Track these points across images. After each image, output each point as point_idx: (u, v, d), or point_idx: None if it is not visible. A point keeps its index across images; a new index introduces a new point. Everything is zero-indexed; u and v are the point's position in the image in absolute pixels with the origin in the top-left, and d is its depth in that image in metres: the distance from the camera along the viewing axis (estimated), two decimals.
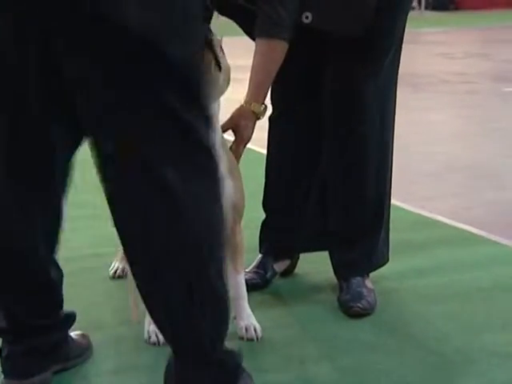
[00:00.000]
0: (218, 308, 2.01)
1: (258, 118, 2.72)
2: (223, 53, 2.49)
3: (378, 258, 3.01)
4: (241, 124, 2.70)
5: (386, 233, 3.02)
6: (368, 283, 2.94)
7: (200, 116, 1.90)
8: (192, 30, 1.87)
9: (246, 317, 2.65)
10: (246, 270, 3.03)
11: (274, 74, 2.71)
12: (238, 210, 2.58)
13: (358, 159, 2.88)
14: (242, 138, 2.72)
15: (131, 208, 1.89)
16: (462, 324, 2.75)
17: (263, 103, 2.72)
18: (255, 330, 2.63)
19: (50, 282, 2.21)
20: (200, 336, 2.00)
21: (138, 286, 1.99)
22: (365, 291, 2.88)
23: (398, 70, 2.90)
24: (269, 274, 3.09)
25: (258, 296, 2.98)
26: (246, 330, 2.63)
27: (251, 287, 2.92)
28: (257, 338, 2.62)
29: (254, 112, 2.69)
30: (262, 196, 3.11)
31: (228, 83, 2.51)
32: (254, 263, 3.11)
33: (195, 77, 1.89)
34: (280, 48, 2.67)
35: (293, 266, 3.21)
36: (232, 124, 2.69)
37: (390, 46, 2.82)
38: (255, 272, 3.07)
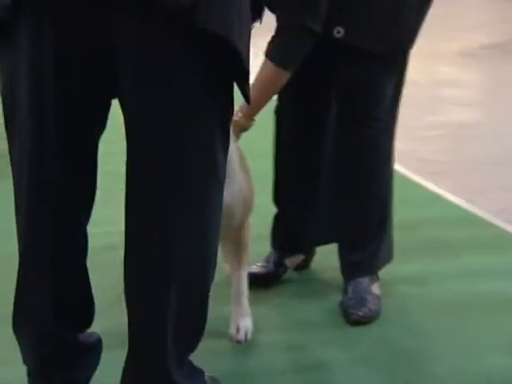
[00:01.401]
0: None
1: (243, 130, 2.68)
2: None
3: (383, 256, 2.90)
4: None
5: (390, 228, 2.92)
6: (375, 288, 2.83)
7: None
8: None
9: (242, 315, 2.60)
10: (257, 264, 2.97)
11: (270, 97, 2.71)
12: (248, 204, 2.53)
13: (367, 157, 2.78)
14: None
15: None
16: (466, 342, 2.60)
17: (253, 119, 2.68)
18: (246, 333, 2.57)
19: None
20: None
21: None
22: (369, 298, 2.77)
23: (405, 72, 2.79)
24: (279, 269, 3.01)
25: (262, 291, 2.92)
26: (238, 330, 2.58)
27: (257, 279, 2.89)
28: (245, 341, 2.57)
29: (241, 126, 2.65)
30: (272, 189, 3.03)
31: None
32: (265, 257, 3.04)
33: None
34: (284, 77, 2.64)
35: (307, 260, 3.13)
36: None
37: (411, 44, 2.69)
38: (264, 266, 3.00)
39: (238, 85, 1.86)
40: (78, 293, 2.02)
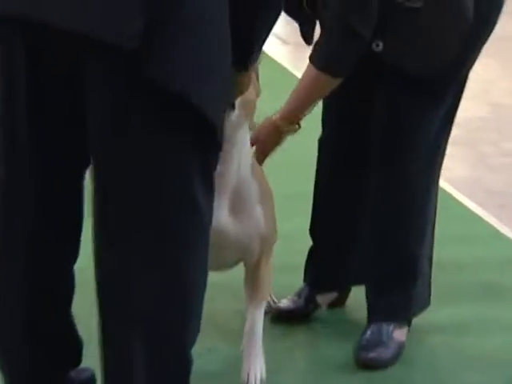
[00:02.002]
0: None
1: (287, 134, 2.52)
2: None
3: (415, 303, 2.69)
4: (260, 138, 2.49)
5: (428, 271, 2.71)
6: (398, 334, 2.63)
7: None
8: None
9: (254, 357, 2.41)
10: (288, 297, 2.83)
11: (314, 103, 2.52)
12: (268, 242, 2.36)
13: (400, 201, 2.59)
14: (261, 152, 2.51)
15: None
16: None
17: (297, 123, 2.52)
18: (256, 379, 2.39)
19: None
20: None
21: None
22: (387, 342, 2.59)
23: (457, 106, 2.56)
24: (309, 306, 2.85)
25: (288, 327, 2.76)
26: (248, 375, 2.40)
27: (285, 314, 2.77)
28: None
29: (279, 128, 2.48)
30: (310, 222, 2.85)
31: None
32: (296, 290, 2.88)
33: None
34: (328, 83, 2.46)
35: (342, 298, 2.94)
36: (253, 136, 2.44)
37: (456, 79, 2.48)
38: (293, 301, 2.84)
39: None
40: (59, 333, 1.93)
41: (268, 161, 2.54)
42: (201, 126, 1.68)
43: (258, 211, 2.27)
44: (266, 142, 2.51)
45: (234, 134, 2.16)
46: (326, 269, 2.84)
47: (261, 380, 2.40)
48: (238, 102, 2.09)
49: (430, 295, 2.74)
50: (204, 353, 2.46)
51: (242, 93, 2.00)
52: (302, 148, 3.03)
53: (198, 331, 1.84)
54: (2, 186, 1.75)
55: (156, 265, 1.71)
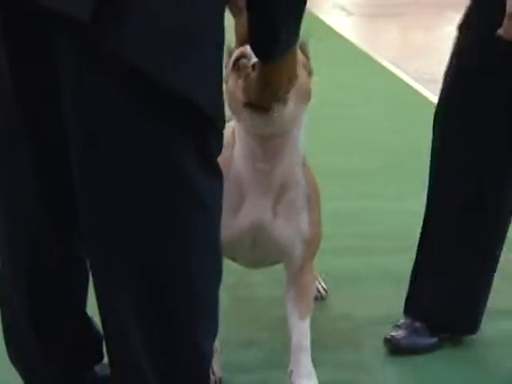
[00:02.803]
0: None
1: None
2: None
3: None
4: None
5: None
6: None
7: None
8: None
9: (304, 376, 2.15)
10: (396, 324, 2.40)
11: None
12: (311, 246, 2.12)
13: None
14: None
15: None
16: None
17: None
18: None
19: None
20: None
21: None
22: None
23: None
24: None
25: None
26: None
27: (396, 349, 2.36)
28: None
29: None
30: (418, 242, 2.39)
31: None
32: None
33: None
34: None
35: None
36: None
37: None
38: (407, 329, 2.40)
39: None
40: (76, 331, 1.82)
41: None
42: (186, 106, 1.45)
43: (304, 216, 2.06)
44: None
45: (287, 129, 1.93)
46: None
47: None
48: (290, 93, 1.83)
49: None
50: (243, 345, 2.33)
51: (290, 81, 1.75)
52: None
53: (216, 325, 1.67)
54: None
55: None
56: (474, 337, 2.38)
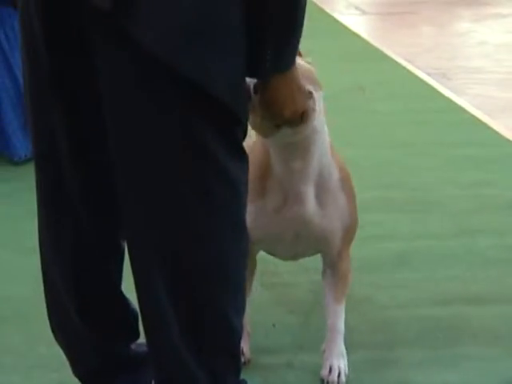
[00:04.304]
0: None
1: None
2: None
3: None
4: None
5: None
6: None
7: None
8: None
9: (336, 355, 2.27)
10: None
11: None
12: (350, 233, 2.21)
13: None
14: None
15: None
16: None
17: None
18: (339, 375, 2.25)
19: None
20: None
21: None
22: None
23: None
24: None
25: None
26: (330, 370, 2.26)
27: None
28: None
29: None
30: None
31: None
32: None
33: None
34: None
35: None
36: None
37: None
38: None
39: None
40: (113, 308, 1.91)
41: None
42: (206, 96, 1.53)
43: (342, 200, 2.15)
44: None
45: (313, 126, 2.00)
46: None
47: (343, 379, 2.26)
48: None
49: None
50: (269, 328, 2.41)
51: (294, 109, 1.74)
52: None
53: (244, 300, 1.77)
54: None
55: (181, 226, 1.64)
56: None
